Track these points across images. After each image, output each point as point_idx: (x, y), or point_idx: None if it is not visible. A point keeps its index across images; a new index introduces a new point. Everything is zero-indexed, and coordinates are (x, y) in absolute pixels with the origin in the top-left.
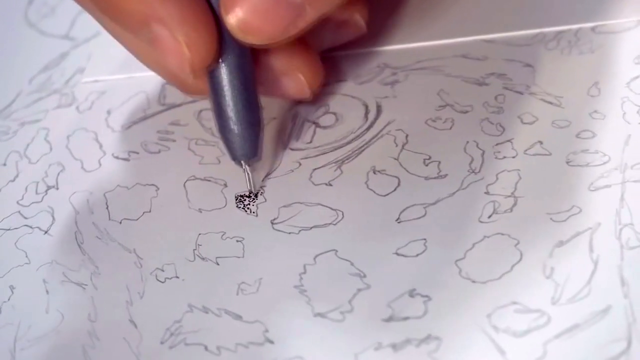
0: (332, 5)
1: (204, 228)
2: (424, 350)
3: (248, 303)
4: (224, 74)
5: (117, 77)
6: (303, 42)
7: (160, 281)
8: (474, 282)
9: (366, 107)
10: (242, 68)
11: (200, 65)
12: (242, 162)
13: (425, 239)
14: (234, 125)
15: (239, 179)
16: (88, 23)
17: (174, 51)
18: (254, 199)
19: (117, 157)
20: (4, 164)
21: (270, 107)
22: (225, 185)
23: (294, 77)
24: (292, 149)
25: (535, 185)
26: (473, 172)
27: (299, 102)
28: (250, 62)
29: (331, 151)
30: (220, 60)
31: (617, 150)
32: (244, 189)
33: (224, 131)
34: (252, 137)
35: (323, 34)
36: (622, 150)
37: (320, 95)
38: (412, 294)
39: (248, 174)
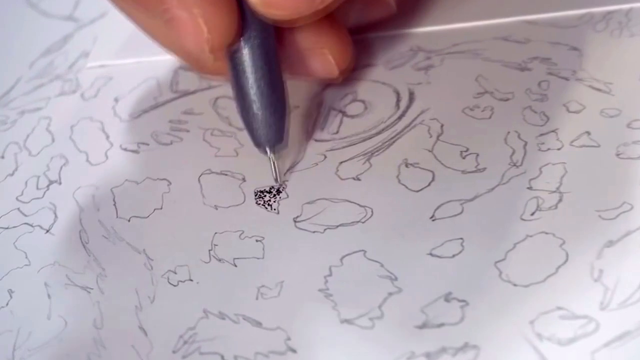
0: None
1: (221, 226)
2: None
3: (268, 308)
4: (245, 54)
5: (125, 61)
6: (331, 18)
7: (172, 284)
8: (515, 285)
9: (398, 94)
10: (265, 47)
11: (220, 45)
12: (266, 148)
13: (462, 239)
14: (258, 109)
15: (258, 172)
16: (93, 3)
17: (191, 30)
18: (275, 194)
19: (125, 149)
20: (2, 157)
21: (294, 95)
22: (244, 180)
23: (321, 55)
24: (316, 140)
25: (583, 179)
26: (514, 165)
27: (327, 85)
28: (274, 40)
29: (359, 142)
30: (241, 40)
31: None
32: (264, 184)
33: (246, 116)
34: (277, 121)
35: (349, 12)
36: None
37: (347, 81)
38: (447, 298)
39: (273, 162)
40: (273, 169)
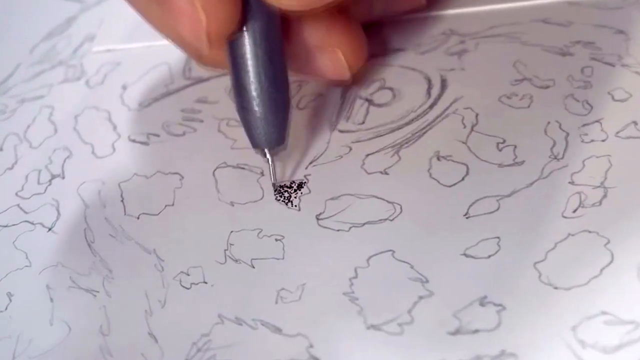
0: None
1: (237, 224)
2: None
3: (289, 313)
4: (247, 44)
5: (133, 45)
6: (344, 12)
7: (185, 287)
8: (556, 288)
9: (429, 81)
10: (268, 38)
11: (219, 35)
12: (265, 150)
13: (498, 238)
14: (257, 106)
15: (277, 166)
16: None
17: (189, 18)
18: (296, 189)
19: (134, 141)
20: (1, 149)
21: (316, 82)
22: (262, 174)
23: (332, 54)
24: (341, 131)
25: (629, 173)
26: (555, 158)
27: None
28: (279, 33)
29: (387, 133)
30: (243, 30)
31: None
32: (284, 178)
33: (244, 113)
34: (277, 120)
35: (374, 2)
36: None
37: (374, 67)
38: (483, 302)
39: (271, 165)
40: (271, 173)
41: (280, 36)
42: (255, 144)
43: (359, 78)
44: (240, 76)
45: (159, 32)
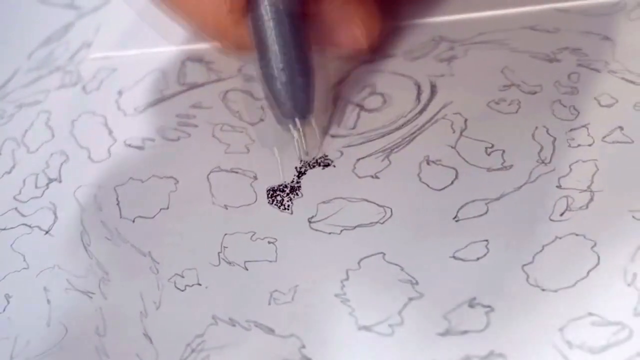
0: None
1: (231, 227)
2: None
3: (282, 314)
4: (270, 18)
5: (129, 52)
6: None
7: (179, 289)
8: (543, 290)
9: (418, 87)
10: (292, 12)
11: (240, 4)
12: (295, 120)
13: (487, 241)
14: (284, 79)
15: (270, 170)
16: None
17: None
18: (289, 193)
19: (129, 145)
20: None
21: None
22: (255, 178)
23: (349, 27)
24: (332, 136)
25: (615, 177)
26: (543, 162)
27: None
28: (300, 5)
29: (378, 138)
30: (265, 2)
31: None
32: (276, 182)
33: (271, 86)
34: (304, 91)
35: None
36: None
37: (365, 73)
38: (472, 304)
39: (301, 136)
40: (299, 145)
41: (301, 9)
42: (284, 116)
43: (350, 84)
44: (266, 51)
45: (180, 13)
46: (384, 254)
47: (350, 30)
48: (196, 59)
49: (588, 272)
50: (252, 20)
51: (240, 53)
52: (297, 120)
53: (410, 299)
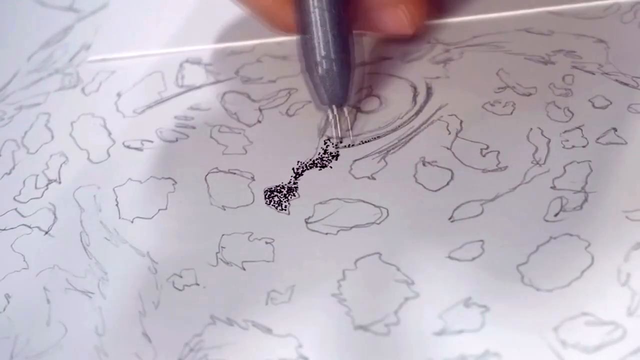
0: None
1: (229, 228)
2: None
3: (279, 314)
4: (315, 4)
5: (128, 54)
6: None
7: (178, 289)
8: (538, 290)
9: (415, 88)
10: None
11: None
12: (332, 107)
13: (482, 241)
14: (325, 65)
15: (268, 171)
16: None
17: None
18: (286, 194)
19: (128, 147)
20: None
21: (305, 90)
22: (253, 179)
23: (394, 10)
24: (329, 137)
25: (609, 178)
26: (537, 163)
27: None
28: None
29: (374, 139)
30: None
31: None
32: (274, 183)
33: (311, 72)
34: (342, 79)
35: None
36: None
37: (361, 75)
38: (467, 303)
39: (337, 122)
40: (336, 127)
41: None
42: (321, 102)
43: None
44: (310, 37)
45: None
46: (380, 254)
47: (396, 15)
48: (194, 61)
49: (582, 272)
50: (298, 4)
51: (288, 34)
52: (333, 107)
53: (406, 299)
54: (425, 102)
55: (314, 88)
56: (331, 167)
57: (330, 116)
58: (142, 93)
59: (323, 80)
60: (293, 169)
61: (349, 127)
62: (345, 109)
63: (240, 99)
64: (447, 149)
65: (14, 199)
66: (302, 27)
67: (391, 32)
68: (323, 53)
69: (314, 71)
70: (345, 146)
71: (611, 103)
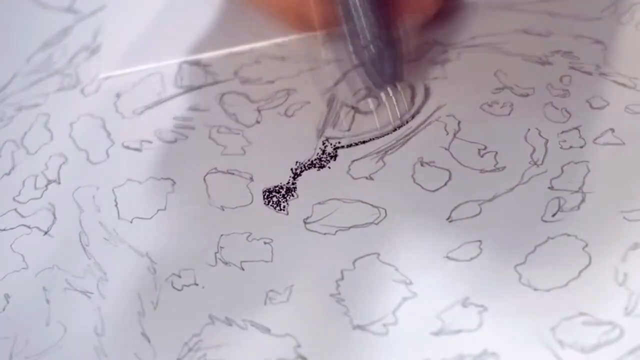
0: None
1: (227, 228)
2: None
3: (277, 314)
4: None
5: (127, 55)
6: None
7: (176, 289)
8: (536, 290)
9: (412, 89)
10: None
11: None
12: (387, 89)
13: (480, 241)
14: (373, 49)
15: (266, 171)
16: None
17: None
18: (284, 194)
19: (127, 147)
20: None
21: (303, 90)
22: (251, 179)
23: None
24: (328, 138)
25: (607, 179)
26: (535, 164)
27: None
28: None
29: (372, 140)
30: None
31: None
32: (272, 183)
33: (361, 57)
34: (390, 60)
35: None
36: None
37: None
38: (465, 303)
39: (393, 103)
40: (391, 108)
41: None
42: (375, 87)
43: (345, 87)
44: (354, 23)
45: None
46: (379, 254)
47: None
48: (193, 62)
49: (580, 272)
50: (341, 2)
51: (319, 31)
52: (388, 89)
53: (405, 299)
54: (423, 102)
55: (366, 75)
56: (329, 167)
57: (386, 98)
58: (142, 94)
59: (373, 63)
60: (291, 169)
61: (406, 106)
62: (400, 88)
63: (239, 100)
64: (445, 149)
65: (14, 199)
66: (347, 16)
67: (414, 12)
68: (369, 37)
69: (364, 56)
70: (343, 146)
71: (608, 104)
